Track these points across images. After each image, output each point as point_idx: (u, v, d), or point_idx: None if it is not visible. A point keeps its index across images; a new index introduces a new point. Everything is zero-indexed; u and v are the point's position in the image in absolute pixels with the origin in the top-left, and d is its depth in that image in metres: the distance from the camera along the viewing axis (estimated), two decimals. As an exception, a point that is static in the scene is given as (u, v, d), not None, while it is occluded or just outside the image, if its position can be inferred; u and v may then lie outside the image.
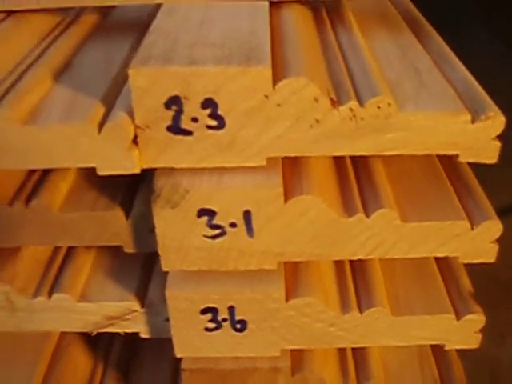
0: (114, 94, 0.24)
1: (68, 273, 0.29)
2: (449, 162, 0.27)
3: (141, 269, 0.29)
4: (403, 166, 0.26)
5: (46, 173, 0.27)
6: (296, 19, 0.28)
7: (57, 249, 0.30)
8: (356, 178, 0.26)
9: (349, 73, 0.25)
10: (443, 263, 0.28)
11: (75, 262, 0.29)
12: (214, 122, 0.23)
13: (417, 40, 0.29)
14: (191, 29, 0.25)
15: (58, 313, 0.28)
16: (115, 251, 0.28)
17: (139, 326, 0.29)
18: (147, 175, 0.25)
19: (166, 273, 0.28)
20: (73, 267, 0.29)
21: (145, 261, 0.29)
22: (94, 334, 0.29)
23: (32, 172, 0.28)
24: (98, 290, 0.28)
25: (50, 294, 0.28)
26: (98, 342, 0.37)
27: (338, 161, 0.26)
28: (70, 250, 0.30)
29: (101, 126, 0.23)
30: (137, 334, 0.30)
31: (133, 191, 0.27)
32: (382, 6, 0.31)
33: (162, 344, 0.33)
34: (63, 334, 0.36)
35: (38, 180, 0.27)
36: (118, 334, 0.33)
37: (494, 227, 0.25)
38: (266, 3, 0.28)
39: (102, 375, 0.36)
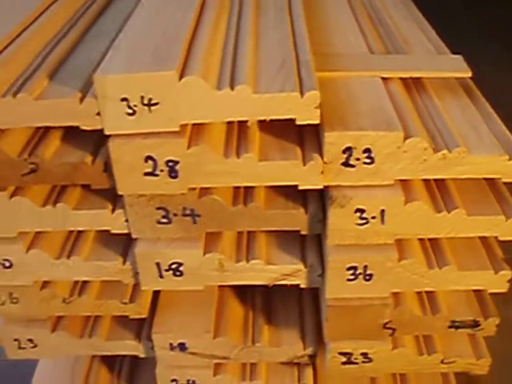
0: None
1: (256, 247, 0.50)
2: (492, 183, 0.48)
3: (300, 243, 0.50)
4: (466, 184, 0.47)
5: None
6: (401, 90, 0.49)
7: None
8: (439, 192, 0.47)
9: (436, 128, 0.46)
10: (485, 240, 0.50)
11: (258, 238, 0.50)
12: (368, 160, 0.43)
13: (470, 101, 0.50)
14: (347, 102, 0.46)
15: (252, 272, 0.49)
16: (287, 233, 0.49)
17: (301, 280, 0.50)
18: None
19: (319, 246, 0.49)
20: (257, 243, 0.50)
21: (303, 239, 0.50)
22: (271, 285, 0.50)
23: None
24: (277, 257, 0.49)
25: (247, 260, 0.49)
26: (245, 296, 0.58)
27: (428, 182, 0.48)
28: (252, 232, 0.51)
29: (305, 163, 0.43)
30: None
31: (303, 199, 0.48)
32: (447, 79, 0.52)
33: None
34: (222, 290, 0.58)
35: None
36: (260, 289, 0.55)
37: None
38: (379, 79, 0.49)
39: (252, 320, 0.57)
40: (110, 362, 0.64)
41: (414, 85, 0.51)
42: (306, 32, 0.50)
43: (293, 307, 0.57)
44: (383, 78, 0.50)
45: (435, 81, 0.51)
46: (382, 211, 0.45)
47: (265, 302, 0.57)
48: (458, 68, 0.51)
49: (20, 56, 0.47)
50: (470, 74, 0.51)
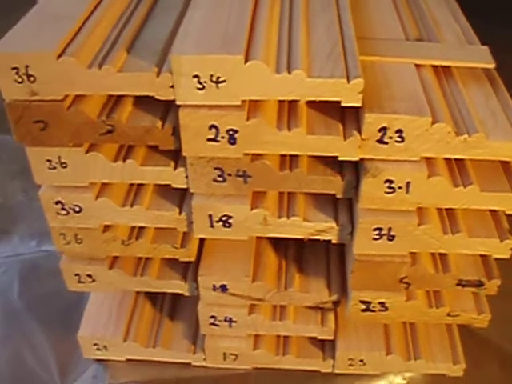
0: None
1: (296, 206, 0.59)
2: (505, 165, 0.56)
3: (334, 205, 0.59)
4: (483, 164, 0.56)
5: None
6: (431, 77, 0.57)
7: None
8: (458, 169, 0.56)
9: (460, 114, 0.54)
10: (495, 213, 0.59)
11: (298, 199, 0.59)
12: (399, 139, 0.52)
13: (492, 90, 0.58)
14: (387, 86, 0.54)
15: (291, 227, 0.58)
16: (322, 196, 0.58)
17: (333, 236, 0.59)
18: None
19: (350, 209, 0.58)
20: (297, 202, 0.59)
21: (337, 202, 0.59)
22: (306, 239, 0.60)
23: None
24: (314, 216, 0.59)
25: (288, 217, 0.58)
26: (279, 248, 0.68)
27: (449, 161, 0.56)
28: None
29: (345, 138, 0.52)
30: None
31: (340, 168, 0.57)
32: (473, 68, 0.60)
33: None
34: (260, 241, 0.67)
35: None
36: (293, 242, 0.64)
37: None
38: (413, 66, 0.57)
39: (285, 268, 0.66)
40: (153, 298, 0.75)
41: (443, 72, 0.59)
42: (351, 19, 0.58)
43: (321, 260, 0.66)
44: (416, 65, 0.58)
45: (463, 69, 0.59)
46: (408, 183, 0.53)
47: (297, 253, 0.67)
48: (483, 58, 0.59)
49: (98, 30, 0.55)
50: (493, 65, 0.59)
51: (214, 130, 0.52)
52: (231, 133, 0.52)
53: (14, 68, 0.50)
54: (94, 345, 0.73)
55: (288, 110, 0.53)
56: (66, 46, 0.51)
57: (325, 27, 0.56)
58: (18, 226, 1.02)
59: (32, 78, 0.51)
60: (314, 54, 0.52)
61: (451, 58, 0.59)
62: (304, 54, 0.51)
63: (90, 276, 0.66)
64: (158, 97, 0.51)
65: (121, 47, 0.53)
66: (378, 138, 0.52)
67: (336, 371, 0.72)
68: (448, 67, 0.59)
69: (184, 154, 0.54)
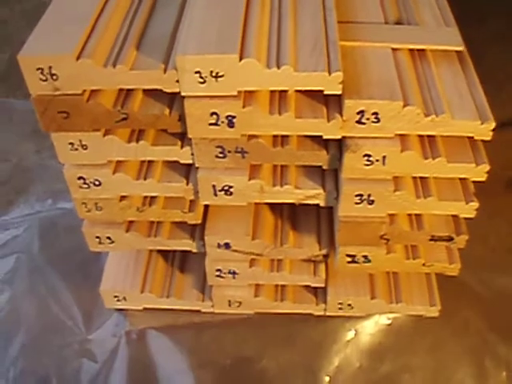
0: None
1: (288, 176, 0.69)
2: (472, 139, 0.65)
3: (322, 175, 0.69)
4: (452, 139, 0.65)
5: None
6: (406, 59, 0.66)
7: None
8: (429, 143, 0.65)
9: (430, 95, 0.63)
10: (463, 180, 0.69)
11: (290, 170, 0.69)
12: (375, 120, 0.61)
13: (462, 71, 0.67)
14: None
15: (284, 194, 0.68)
16: (311, 167, 0.68)
17: (321, 201, 0.68)
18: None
19: (336, 178, 0.68)
20: (289, 173, 0.69)
21: (324, 172, 0.69)
22: (298, 204, 0.70)
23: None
24: (304, 184, 0.68)
25: (281, 185, 0.68)
26: (275, 210, 0.78)
27: (421, 136, 0.65)
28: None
29: (329, 120, 0.61)
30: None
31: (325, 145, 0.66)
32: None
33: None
34: (258, 205, 0.77)
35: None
36: (287, 206, 0.75)
37: (484, 168, 0.64)
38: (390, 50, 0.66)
39: (281, 227, 0.77)
40: (165, 255, 0.86)
41: (418, 54, 0.67)
42: (334, 6, 0.66)
43: (312, 219, 0.77)
44: (393, 49, 0.66)
45: (436, 51, 0.68)
46: (384, 156, 0.63)
47: (290, 214, 0.77)
48: (454, 41, 0.68)
49: (109, 29, 0.62)
50: (462, 48, 0.67)
51: (214, 116, 0.61)
52: (230, 118, 0.61)
53: (38, 68, 0.59)
54: (115, 297, 0.84)
55: (279, 97, 0.62)
56: (82, 47, 0.60)
57: (310, 19, 0.64)
58: (33, 185, 1.12)
59: (55, 77, 0.59)
60: (299, 48, 0.60)
61: (426, 41, 0.68)
62: (291, 49, 0.60)
63: (109, 238, 0.77)
64: (165, 90, 0.60)
65: (130, 46, 0.61)
66: (357, 119, 0.61)
67: (327, 314, 0.84)
68: (423, 50, 0.68)
69: (189, 136, 0.63)
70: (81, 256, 0.95)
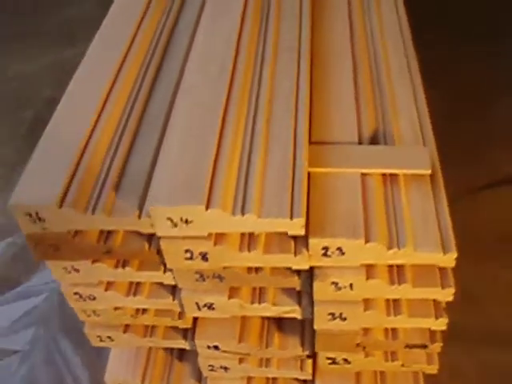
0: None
1: (265, 295, 0.73)
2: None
3: (298, 293, 0.74)
4: (417, 265, 0.68)
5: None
6: (376, 184, 0.69)
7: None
8: (397, 268, 0.69)
9: (395, 225, 0.67)
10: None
11: (267, 290, 0.74)
12: (340, 253, 0.65)
13: (432, 193, 0.70)
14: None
15: (263, 310, 0.73)
16: (287, 288, 0.72)
17: (297, 315, 0.73)
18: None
19: (311, 296, 0.73)
20: (266, 292, 0.74)
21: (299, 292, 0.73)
22: (277, 317, 0.74)
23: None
24: (281, 301, 0.73)
25: (259, 303, 0.73)
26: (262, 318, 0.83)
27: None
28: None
29: (296, 254, 0.66)
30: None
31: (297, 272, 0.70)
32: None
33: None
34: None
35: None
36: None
37: (450, 291, 0.68)
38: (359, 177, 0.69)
39: (266, 331, 0.82)
40: (164, 348, 0.92)
41: (389, 176, 0.70)
42: (306, 136, 0.70)
43: (296, 322, 0.81)
44: (364, 173, 0.70)
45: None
46: (351, 284, 0.67)
47: (276, 318, 0.82)
48: (425, 164, 0.70)
49: (90, 170, 0.68)
50: (429, 172, 0.70)
51: (189, 253, 0.66)
52: (203, 254, 0.66)
53: (27, 214, 0.65)
54: (119, 385, 0.92)
55: (248, 234, 0.67)
56: (64, 193, 0.65)
57: (279, 151, 0.68)
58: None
59: (42, 220, 0.66)
60: (265, 191, 0.64)
61: (397, 164, 0.71)
62: (257, 193, 0.64)
63: (109, 337, 0.83)
64: (141, 231, 0.66)
65: (109, 188, 0.67)
66: (323, 253, 0.65)
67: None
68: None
69: (168, 267, 0.69)
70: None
